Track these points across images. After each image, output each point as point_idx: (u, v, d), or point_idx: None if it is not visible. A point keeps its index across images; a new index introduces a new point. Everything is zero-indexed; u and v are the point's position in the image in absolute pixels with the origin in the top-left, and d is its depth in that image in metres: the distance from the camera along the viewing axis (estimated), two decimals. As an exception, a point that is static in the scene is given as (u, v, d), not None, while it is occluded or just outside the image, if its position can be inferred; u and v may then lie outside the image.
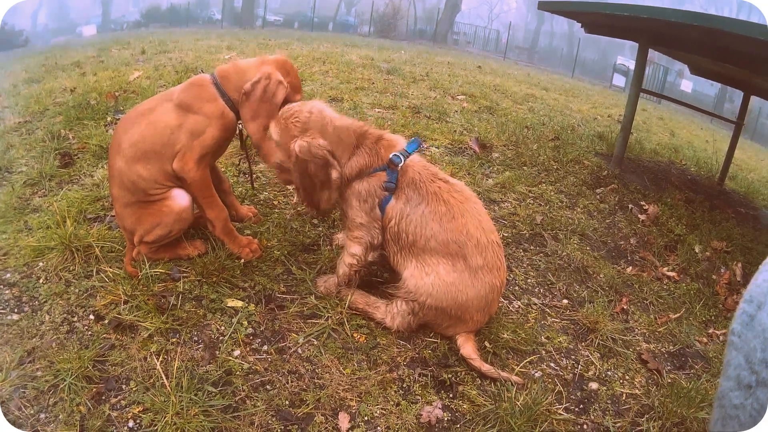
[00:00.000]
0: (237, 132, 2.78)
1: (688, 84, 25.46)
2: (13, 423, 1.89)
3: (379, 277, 2.80)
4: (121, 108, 4.92)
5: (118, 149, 2.55)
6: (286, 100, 2.65)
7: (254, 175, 3.68)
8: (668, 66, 27.98)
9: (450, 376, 2.31)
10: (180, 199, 2.61)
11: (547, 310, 2.93)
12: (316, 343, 2.38)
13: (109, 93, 5.39)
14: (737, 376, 1.14)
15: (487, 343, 2.51)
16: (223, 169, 3.61)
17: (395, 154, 2.41)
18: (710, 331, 3.11)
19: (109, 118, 4.64)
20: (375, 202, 2.44)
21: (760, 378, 1.09)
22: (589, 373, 2.55)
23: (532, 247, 3.48)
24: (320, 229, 3.18)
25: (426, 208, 2.40)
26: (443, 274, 2.37)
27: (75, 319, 2.36)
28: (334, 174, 2.40)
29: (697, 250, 3.97)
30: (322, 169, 2.38)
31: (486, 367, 2.32)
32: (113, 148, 2.58)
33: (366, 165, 2.43)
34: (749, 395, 1.10)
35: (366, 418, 2.08)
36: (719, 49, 4.49)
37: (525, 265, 3.27)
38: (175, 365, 2.13)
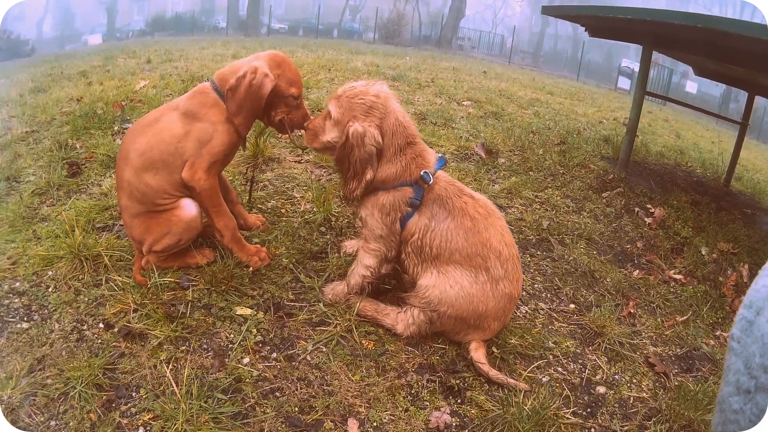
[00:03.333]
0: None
1: (693, 85, 25.41)
2: (24, 430, 1.90)
3: (387, 284, 2.81)
4: (128, 117, 4.94)
5: (125, 160, 2.57)
6: (279, 94, 2.68)
7: (261, 183, 3.69)
8: (673, 67, 27.91)
9: (458, 381, 2.32)
10: (189, 208, 2.62)
11: (554, 314, 2.94)
12: (324, 350, 2.39)
13: (116, 102, 5.41)
14: (736, 381, 1.14)
15: (494, 349, 2.52)
16: (230, 179, 3.63)
17: (425, 172, 2.41)
18: (717, 333, 3.11)
19: (116, 128, 4.66)
20: (397, 216, 2.45)
21: (758, 383, 1.09)
22: (597, 377, 2.56)
23: (539, 252, 3.48)
24: (328, 236, 3.19)
25: (452, 224, 2.41)
26: (467, 285, 2.38)
27: (84, 327, 2.37)
28: (369, 175, 2.40)
29: (703, 253, 3.97)
30: (361, 162, 2.38)
31: (493, 373, 2.33)
32: (121, 159, 2.60)
33: (395, 176, 2.43)
34: (748, 400, 1.11)
35: (375, 424, 2.09)
36: (722, 50, 4.49)
37: (532, 271, 3.28)
38: (185, 373, 2.14)
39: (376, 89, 2.43)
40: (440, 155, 2.55)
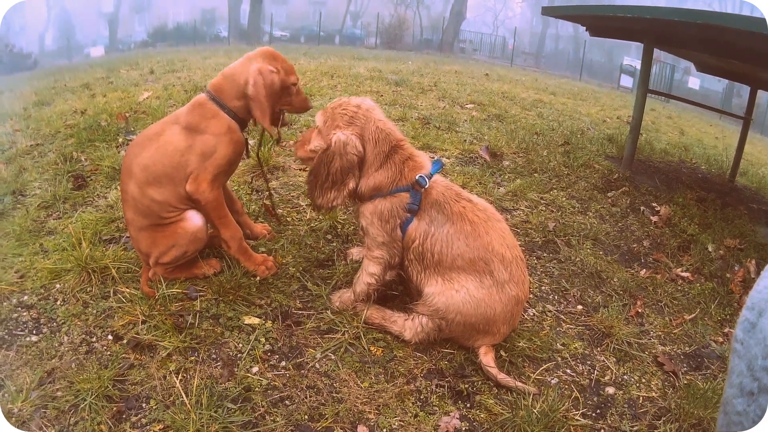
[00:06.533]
0: (247, 148, 2.82)
1: (695, 81, 25.37)
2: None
3: (394, 290, 2.81)
4: (132, 129, 4.96)
5: (129, 174, 2.58)
6: (283, 85, 2.70)
7: (266, 192, 3.70)
8: (675, 64, 27.83)
9: (467, 386, 2.32)
10: (194, 219, 2.63)
11: (562, 316, 2.93)
12: (333, 357, 2.39)
13: (120, 114, 5.44)
14: (740, 384, 1.14)
15: (503, 352, 2.51)
16: (235, 188, 3.64)
17: (421, 176, 2.42)
18: (726, 330, 3.10)
19: (120, 140, 4.68)
20: (397, 223, 2.45)
21: (761, 385, 1.09)
22: (606, 377, 2.55)
23: (545, 255, 3.48)
24: (334, 244, 3.19)
25: (451, 228, 2.41)
26: (472, 290, 2.37)
27: (93, 339, 2.38)
28: (351, 184, 2.43)
29: (710, 249, 3.97)
30: (343, 171, 2.40)
31: (501, 376, 2.33)
32: (125, 174, 2.61)
33: (387, 182, 2.44)
34: (752, 402, 1.11)
35: (384, 431, 2.09)
36: (723, 46, 4.49)
37: (539, 273, 3.28)
38: (195, 383, 2.15)
39: (359, 101, 2.47)
40: (437, 159, 2.56)
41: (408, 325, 2.50)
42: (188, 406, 2.04)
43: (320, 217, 3.37)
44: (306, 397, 2.18)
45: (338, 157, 2.38)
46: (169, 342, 2.34)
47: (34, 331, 2.42)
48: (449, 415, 2.17)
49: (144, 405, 2.09)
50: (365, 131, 2.42)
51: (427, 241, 2.42)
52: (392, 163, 2.46)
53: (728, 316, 3.23)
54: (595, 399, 2.42)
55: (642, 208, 4.49)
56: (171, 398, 2.10)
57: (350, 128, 2.40)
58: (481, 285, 2.37)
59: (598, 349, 2.74)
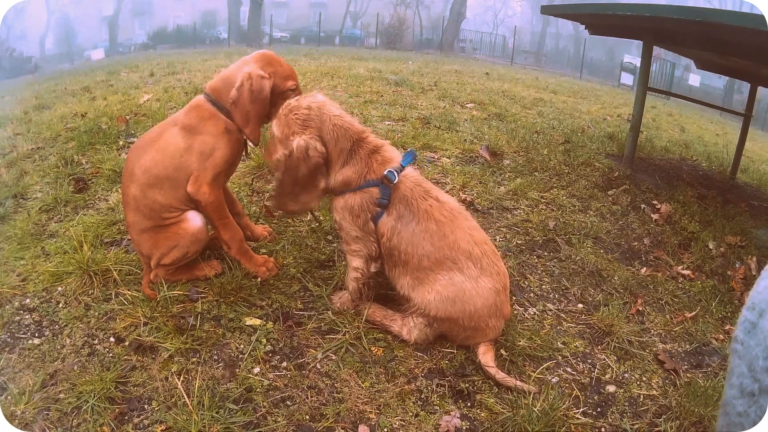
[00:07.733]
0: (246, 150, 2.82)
1: (696, 78, 25.25)
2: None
3: (393, 290, 2.81)
4: (133, 131, 4.97)
5: (131, 177, 2.60)
6: (277, 90, 2.69)
7: (268, 194, 3.70)
8: (675, 61, 27.78)
9: (467, 385, 2.33)
10: (195, 220, 2.65)
11: (563, 315, 2.93)
12: (334, 357, 2.40)
13: (120, 117, 5.44)
14: (740, 384, 1.14)
15: (503, 351, 2.52)
16: (235, 190, 3.64)
17: (390, 171, 2.41)
18: (726, 327, 3.09)
19: (121, 142, 4.69)
20: (368, 217, 2.45)
21: (762, 386, 1.08)
22: (606, 376, 2.55)
23: (545, 253, 3.48)
24: (335, 245, 3.19)
25: (417, 227, 2.41)
26: (441, 290, 2.38)
27: (96, 341, 2.39)
28: (322, 183, 2.44)
29: (711, 247, 3.96)
30: (310, 174, 2.41)
31: (500, 375, 2.33)
32: (126, 176, 2.63)
33: (355, 177, 2.44)
34: (752, 403, 1.10)
35: (385, 430, 2.09)
36: (723, 43, 4.48)
37: (539, 272, 3.28)
38: (196, 384, 2.16)
39: (308, 101, 2.45)
40: (409, 150, 2.56)
41: (405, 323, 2.51)
42: (190, 407, 2.05)
43: (321, 217, 3.36)
44: (307, 398, 2.19)
45: (302, 162, 2.38)
46: (171, 344, 2.35)
47: (37, 334, 2.44)
48: (450, 415, 2.18)
49: (146, 406, 2.10)
50: (323, 131, 2.42)
51: (394, 237, 2.43)
52: (358, 158, 2.45)
53: (729, 314, 3.23)
54: (595, 397, 2.42)
55: (642, 206, 4.48)
56: (173, 399, 2.11)
57: (307, 131, 2.39)
58: (452, 282, 2.38)
59: (599, 347, 2.74)
